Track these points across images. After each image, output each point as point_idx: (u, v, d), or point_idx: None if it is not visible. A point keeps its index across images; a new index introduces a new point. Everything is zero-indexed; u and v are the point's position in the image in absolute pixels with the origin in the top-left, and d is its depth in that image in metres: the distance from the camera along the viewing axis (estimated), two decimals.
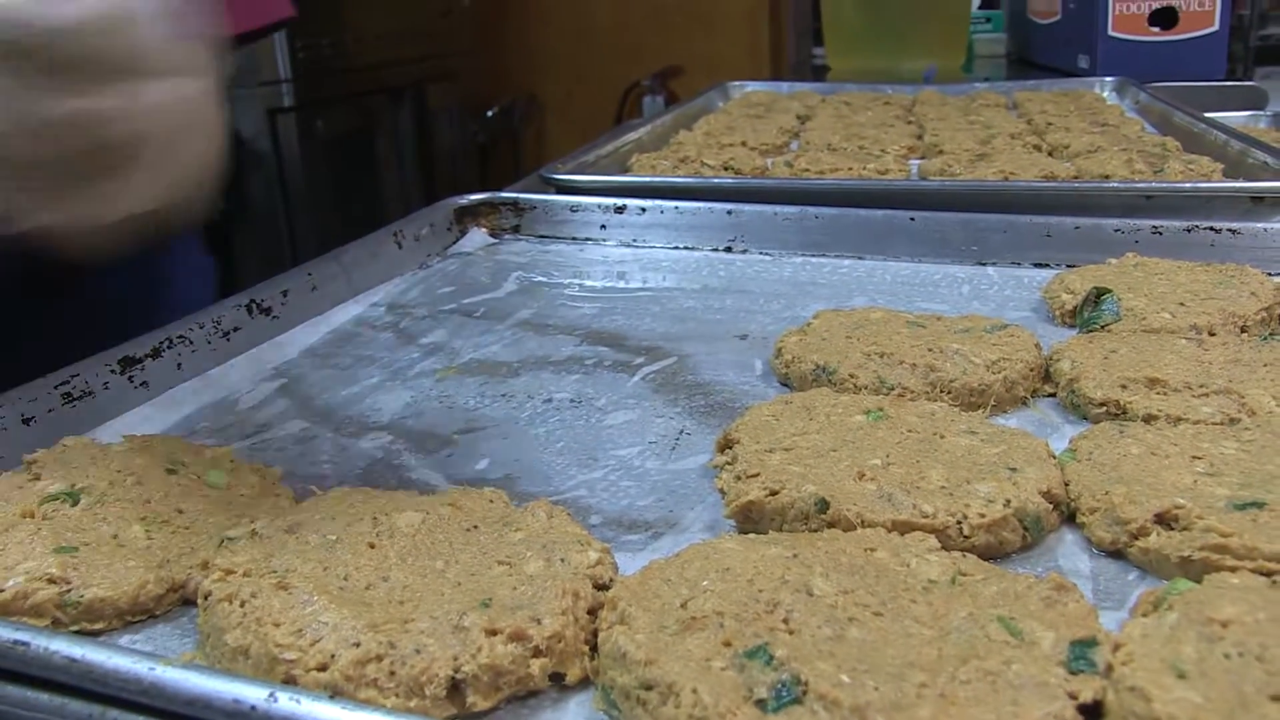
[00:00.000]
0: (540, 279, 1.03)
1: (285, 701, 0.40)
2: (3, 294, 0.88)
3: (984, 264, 0.99)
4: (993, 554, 0.53)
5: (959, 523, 0.53)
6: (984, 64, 2.66)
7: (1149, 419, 0.64)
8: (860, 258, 1.00)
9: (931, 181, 1.23)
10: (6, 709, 0.44)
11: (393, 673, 0.43)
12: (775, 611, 0.44)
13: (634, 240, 1.12)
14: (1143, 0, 2.04)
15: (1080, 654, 0.42)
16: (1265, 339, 0.73)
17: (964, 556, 0.49)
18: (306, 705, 0.40)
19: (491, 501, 0.56)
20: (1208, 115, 1.39)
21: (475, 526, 0.53)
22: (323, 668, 0.43)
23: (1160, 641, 0.42)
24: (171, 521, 0.56)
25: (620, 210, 1.12)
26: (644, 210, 1.11)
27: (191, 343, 0.80)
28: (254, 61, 2.79)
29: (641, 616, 0.44)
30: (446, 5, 3.79)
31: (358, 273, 0.99)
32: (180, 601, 0.52)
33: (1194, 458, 0.57)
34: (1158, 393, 0.66)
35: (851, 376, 0.71)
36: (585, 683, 0.45)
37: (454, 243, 1.14)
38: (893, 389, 0.69)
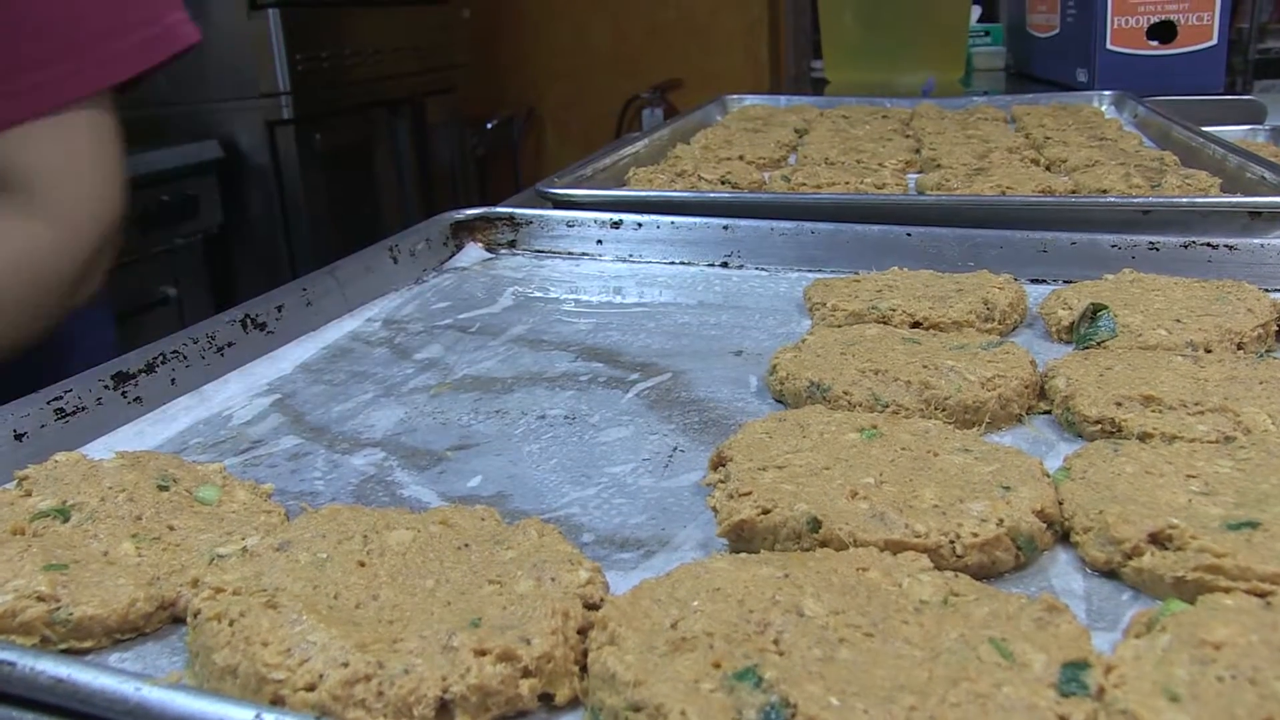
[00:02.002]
0: (536, 294, 1.03)
1: None
2: None
3: None
4: (986, 574, 0.53)
5: (952, 542, 0.52)
6: (982, 77, 2.66)
7: (1144, 437, 0.63)
8: (856, 273, 1.00)
9: (928, 196, 1.22)
10: None
11: (381, 693, 0.43)
12: (765, 632, 0.44)
13: (630, 255, 1.12)
14: (1141, 14, 2.04)
15: (1072, 676, 0.41)
16: (1262, 356, 0.73)
17: (956, 576, 0.49)
18: None
19: (483, 519, 0.56)
20: (1206, 129, 1.39)
21: (466, 545, 0.53)
22: (311, 687, 0.43)
23: (1152, 664, 0.41)
24: (163, 538, 0.56)
25: (616, 225, 1.12)
26: (640, 225, 1.11)
27: (185, 358, 0.80)
28: (253, 74, 2.79)
29: (631, 637, 0.44)
30: (445, 18, 3.80)
31: (353, 288, 0.99)
32: (170, 619, 0.52)
33: (1189, 476, 0.56)
34: (1153, 410, 0.65)
35: (846, 394, 0.71)
36: (575, 703, 0.45)
37: (450, 258, 1.14)
38: (887, 406, 0.69)
